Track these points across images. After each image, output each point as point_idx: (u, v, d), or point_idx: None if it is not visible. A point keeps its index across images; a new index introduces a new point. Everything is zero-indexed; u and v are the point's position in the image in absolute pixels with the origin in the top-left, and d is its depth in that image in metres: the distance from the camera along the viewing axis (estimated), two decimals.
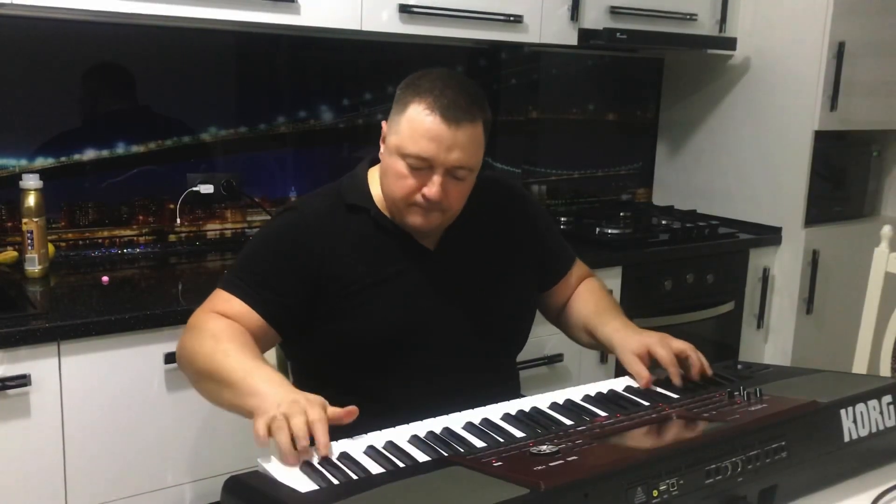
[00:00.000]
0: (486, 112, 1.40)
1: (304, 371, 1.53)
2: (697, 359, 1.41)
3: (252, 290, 1.38)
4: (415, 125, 1.34)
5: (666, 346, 1.42)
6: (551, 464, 0.97)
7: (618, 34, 2.57)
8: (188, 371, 1.35)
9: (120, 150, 2.24)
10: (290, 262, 1.41)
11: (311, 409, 1.11)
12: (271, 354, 1.56)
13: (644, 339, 1.45)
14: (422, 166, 1.35)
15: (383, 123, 1.43)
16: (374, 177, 1.49)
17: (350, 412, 1.15)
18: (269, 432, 1.10)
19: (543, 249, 1.63)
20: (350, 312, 1.41)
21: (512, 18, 2.39)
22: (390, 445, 1.13)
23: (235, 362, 1.25)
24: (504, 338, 1.55)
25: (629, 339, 1.47)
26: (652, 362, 1.43)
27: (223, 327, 1.33)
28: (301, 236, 1.42)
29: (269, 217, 2.42)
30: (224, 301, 1.38)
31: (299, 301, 1.40)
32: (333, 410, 1.14)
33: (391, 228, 1.46)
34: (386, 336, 1.42)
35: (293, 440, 1.08)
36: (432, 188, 1.35)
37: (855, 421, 1.17)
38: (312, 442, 1.09)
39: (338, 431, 1.13)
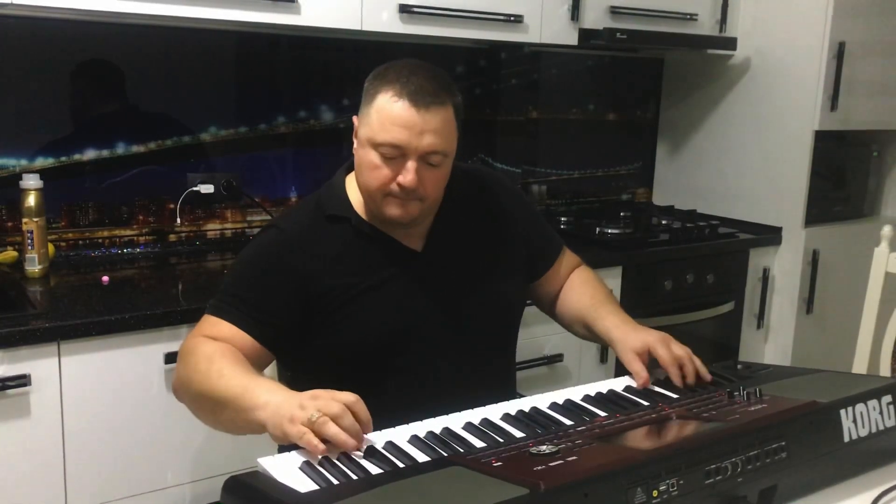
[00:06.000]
0: (456, 96, 1.39)
1: (299, 380, 1.51)
2: (693, 367, 1.40)
3: (240, 313, 1.36)
4: (384, 114, 1.33)
5: (666, 347, 1.41)
6: (551, 464, 0.97)
7: (618, 34, 2.57)
8: (185, 398, 1.34)
9: (120, 150, 2.24)
10: (275, 280, 1.39)
11: (338, 395, 1.13)
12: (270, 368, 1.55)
13: (645, 337, 1.44)
14: (395, 155, 1.34)
15: (354, 118, 1.42)
16: (352, 183, 1.47)
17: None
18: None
19: (529, 237, 1.60)
20: (341, 324, 1.40)
21: (512, 18, 2.39)
22: (390, 445, 1.13)
23: (231, 380, 1.23)
24: (498, 330, 1.54)
25: (629, 336, 1.46)
26: (652, 362, 1.43)
27: (214, 349, 1.31)
28: (284, 254, 1.40)
29: (269, 217, 2.42)
30: (213, 325, 1.36)
31: (288, 319, 1.38)
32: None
33: (374, 235, 1.44)
34: (378, 343, 1.41)
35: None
36: (407, 176, 1.34)
37: (855, 421, 1.17)
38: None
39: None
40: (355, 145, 1.42)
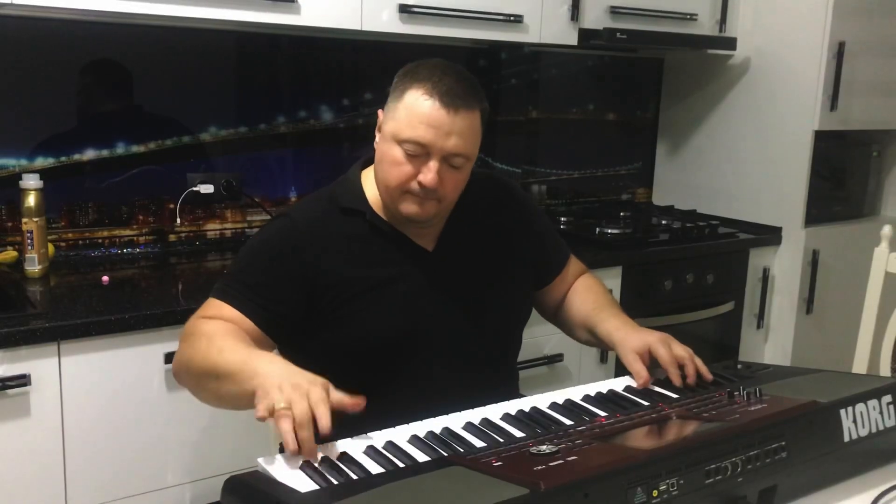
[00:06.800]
0: (484, 102, 1.40)
1: None
2: (694, 367, 1.40)
3: (244, 297, 1.36)
4: (413, 110, 1.34)
5: (667, 346, 1.42)
6: (551, 464, 0.97)
7: (618, 34, 2.57)
8: (186, 378, 1.33)
9: (120, 149, 2.24)
10: (282, 269, 1.39)
11: (312, 391, 1.11)
12: None
13: (645, 337, 1.44)
14: (418, 152, 1.34)
15: (379, 112, 1.43)
16: (367, 178, 1.48)
17: (356, 404, 1.14)
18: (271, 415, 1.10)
19: (540, 246, 1.62)
20: (348, 318, 1.40)
21: (512, 18, 2.39)
22: (390, 445, 1.13)
23: (231, 354, 1.24)
24: (503, 336, 1.55)
25: (630, 336, 1.46)
26: (652, 362, 1.43)
27: (216, 327, 1.32)
28: (293, 243, 1.40)
29: (269, 217, 2.42)
30: (215, 308, 1.37)
31: (293, 308, 1.39)
32: (338, 396, 1.13)
33: (387, 231, 1.44)
34: (385, 340, 1.41)
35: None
36: (428, 175, 1.34)
37: (855, 421, 1.17)
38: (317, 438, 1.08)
39: (340, 431, 1.13)
40: (377, 139, 1.42)
